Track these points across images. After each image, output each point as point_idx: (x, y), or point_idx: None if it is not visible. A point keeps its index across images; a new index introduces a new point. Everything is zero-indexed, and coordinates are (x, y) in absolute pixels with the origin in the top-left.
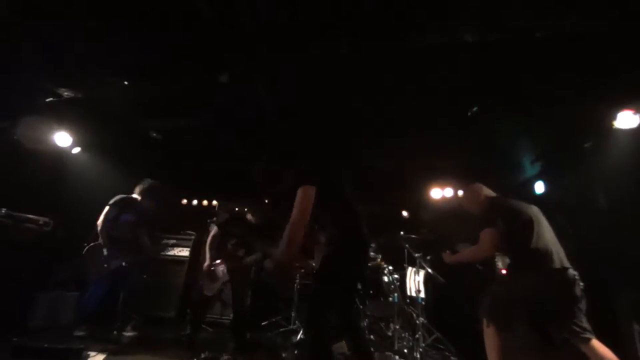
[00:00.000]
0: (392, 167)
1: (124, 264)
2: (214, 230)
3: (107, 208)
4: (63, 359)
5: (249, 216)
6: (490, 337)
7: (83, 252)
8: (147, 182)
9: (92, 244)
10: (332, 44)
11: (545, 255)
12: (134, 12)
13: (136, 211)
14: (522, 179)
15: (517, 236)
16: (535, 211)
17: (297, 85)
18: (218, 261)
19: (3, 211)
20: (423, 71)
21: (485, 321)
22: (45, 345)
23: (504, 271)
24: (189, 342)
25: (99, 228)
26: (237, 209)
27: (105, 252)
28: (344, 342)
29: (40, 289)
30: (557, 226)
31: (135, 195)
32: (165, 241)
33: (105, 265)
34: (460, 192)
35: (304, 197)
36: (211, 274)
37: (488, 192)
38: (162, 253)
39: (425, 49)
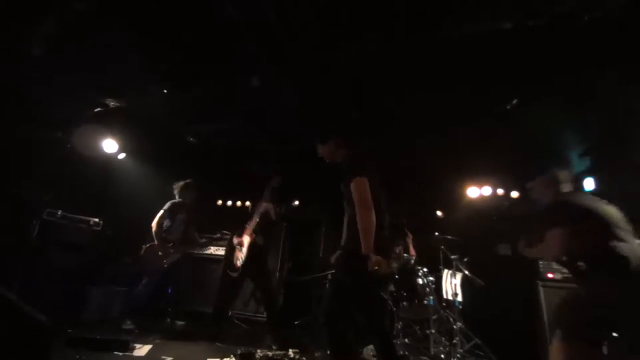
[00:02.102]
0: (427, 165)
1: (178, 257)
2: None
3: (160, 212)
4: (112, 349)
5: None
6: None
7: (141, 252)
8: (180, 182)
9: (148, 245)
10: (362, 39)
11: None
12: (166, 22)
13: (186, 211)
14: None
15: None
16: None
17: (326, 84)
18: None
19: (59, 213)
20: (458, 62)
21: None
22: (97, 337)
23: (550, 275)
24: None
25: (153, 230)
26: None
27: (160, 252)
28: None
29: (92, 284)
30: None
31: (178, 198)
32: (205, 239)
33: (165, 261)
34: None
35: (361, 186)
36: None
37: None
38: (204, 251)
39: (461, 39)
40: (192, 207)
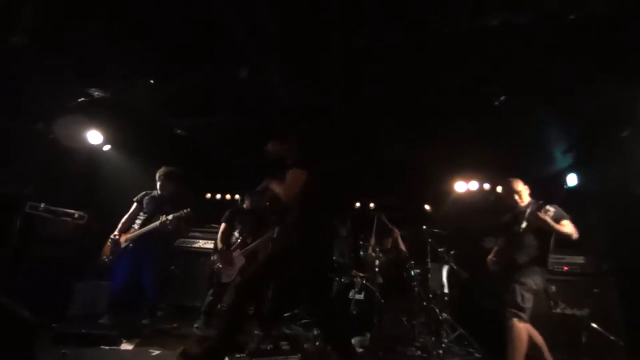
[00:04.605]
0: (415, 160)
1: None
2: (222, 226)
3: (133, 205)
4: (99, 344)
5: (245, 204)
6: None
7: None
8: (163, 168)
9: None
10: (348, 35)
11: None
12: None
13: (157, 201)
14: (553, 171)
15: None
16: None
17: (314, 78)
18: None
19: (42, 206)
20: (446, 59)
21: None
22: (83, 331)
23: None
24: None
25: (122, 221)
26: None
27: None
28: (367, 335)
29: (77, 279)
30: (591, 220)
31: (158, 186)
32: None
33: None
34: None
35: (295, 178)
36: (228, 259)
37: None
38: (193, 244)
39: (449, 36)
40: (167, 197)
